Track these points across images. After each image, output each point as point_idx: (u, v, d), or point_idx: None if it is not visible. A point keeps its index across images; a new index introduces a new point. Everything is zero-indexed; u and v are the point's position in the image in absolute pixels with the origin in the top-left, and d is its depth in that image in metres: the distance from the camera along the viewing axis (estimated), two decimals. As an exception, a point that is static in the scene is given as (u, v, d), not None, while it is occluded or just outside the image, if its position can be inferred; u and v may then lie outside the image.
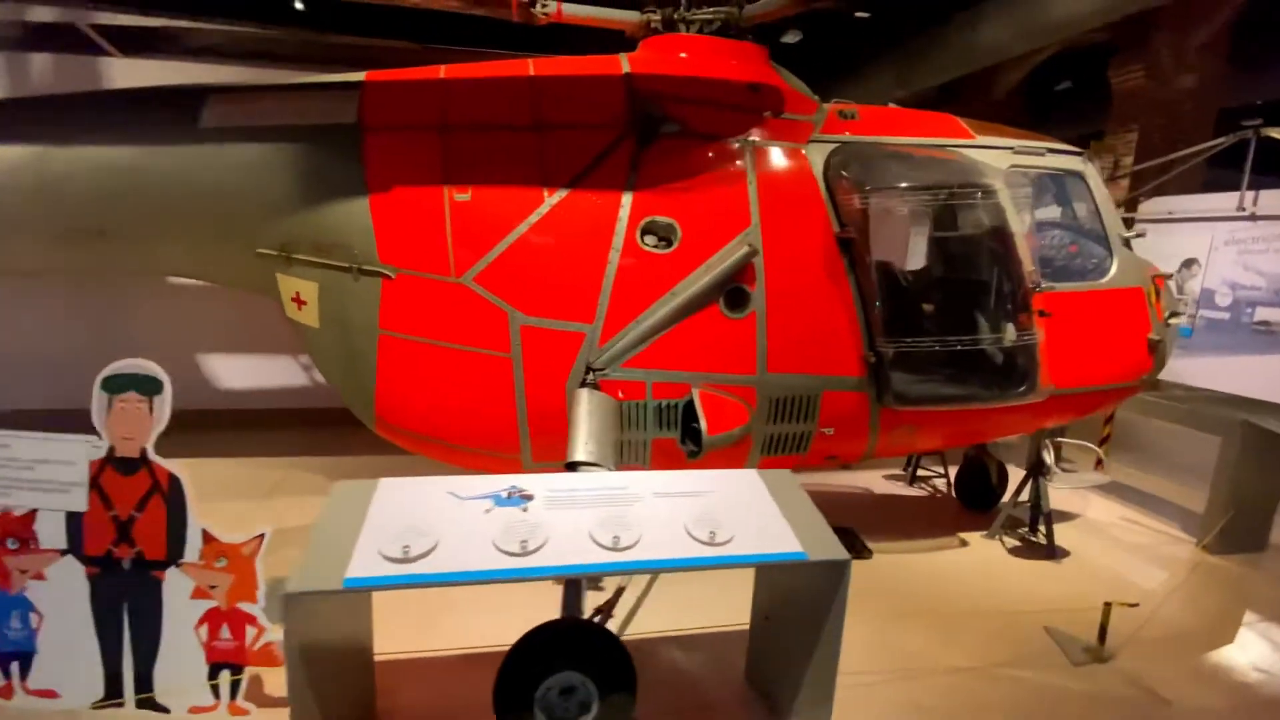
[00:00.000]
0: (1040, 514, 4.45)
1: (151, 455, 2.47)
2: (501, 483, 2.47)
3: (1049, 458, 4.39)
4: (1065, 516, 5.10)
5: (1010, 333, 3.81)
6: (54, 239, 3.47)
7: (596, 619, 2.73)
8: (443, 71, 3.71)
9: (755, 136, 3.76)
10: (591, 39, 4.13)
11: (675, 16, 3.87)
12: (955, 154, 3.81)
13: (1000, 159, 3.85)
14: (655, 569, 2.27)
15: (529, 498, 2.42)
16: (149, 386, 2.47)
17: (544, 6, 3.79)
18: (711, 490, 2.59)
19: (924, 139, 3.86)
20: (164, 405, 2.48)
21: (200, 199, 3.49)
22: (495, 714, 2.30)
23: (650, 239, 3.59)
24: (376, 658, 2.67)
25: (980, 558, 4.44)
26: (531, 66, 3.76)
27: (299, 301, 3.76)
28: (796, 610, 2.60)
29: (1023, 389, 3.85)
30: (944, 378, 3.92)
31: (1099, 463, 4.35)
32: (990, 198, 3.74)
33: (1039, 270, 3.81)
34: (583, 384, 3.51)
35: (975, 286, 4.03)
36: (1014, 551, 4.52)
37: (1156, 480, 5.76)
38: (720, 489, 2.61)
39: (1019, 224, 3.75)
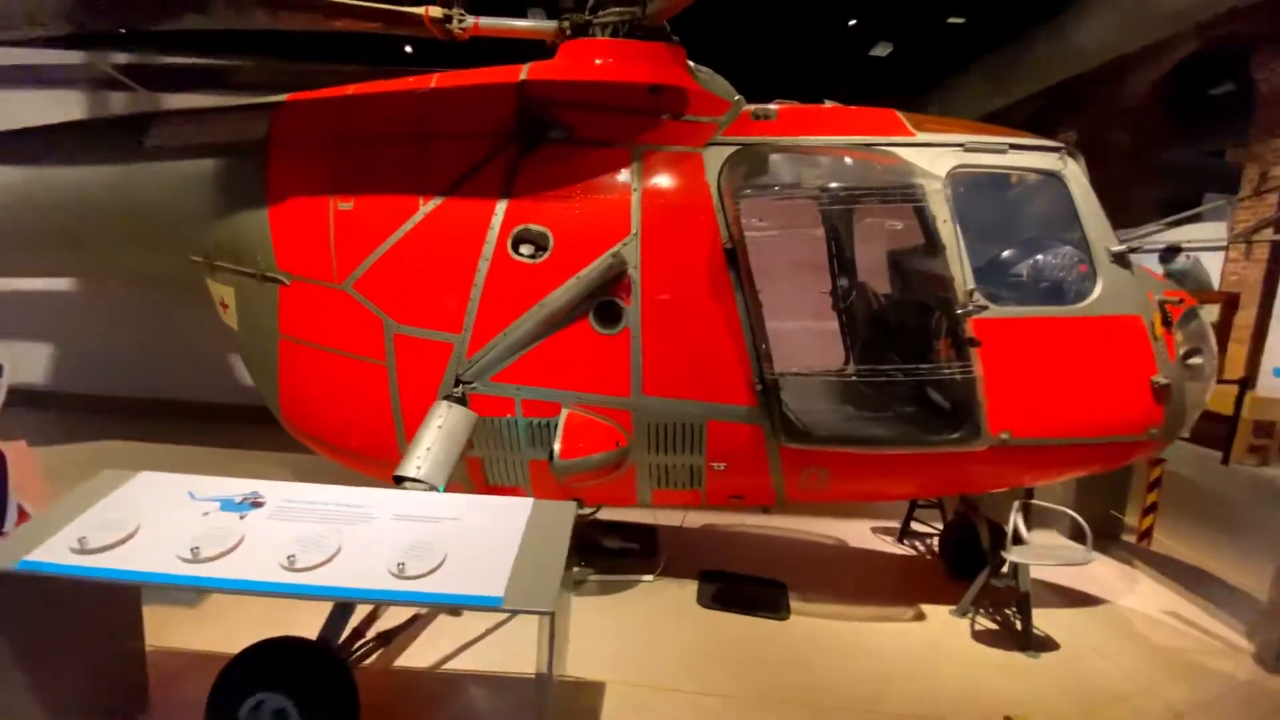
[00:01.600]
0: (1019, 593, 3.60)
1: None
2: (244, 488, 2.43)
3: (1020, 524, 3.54)
4: (1086, 600, 4.11)
5: (930, 364, 3.15)
6: (34, 248, 4.05)
7: (356, 643, 2.59)
8: (351, 89, 3.85)
9: (647, 141, 3.48)
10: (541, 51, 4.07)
11: (583, 21, 3.71)
12: (876, 154, 3.24)
13: (941, 158, 3.21)
14: (311, 595, 2.07)
15: (259, 505, 2.36)
16: (-10, 371, 2.76)
17: (460, 22, 3.82)
18: (458, 518, 2.37)
19: (848, 138, 3.33)
20: (3, 388, 2.75)
21: (144, 211, 3.89)
22: (205, 724, 2.25)
23: (526, 248, 3.43)
24: (157, 648, 2.73)
25: (931, 639, 3.67)
26: (434, 80, 3.78)
27: (224, 305, 4.05)
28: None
29: (957, 435, 3.15)
30: (849, 414, 3.32)
31: (1083, 535, 3.41)
32: (909, 202, 3.14)
33: (981, 290, 3.11)
34: (448, 396, 3.41)
35: (882, 307, 3.39)
36: (981, 636, 3.69)
37: (1233, 564, 4.46)
38: (470, 517, 2.38)
39: (950, 234, 3.10)
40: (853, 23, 10.25)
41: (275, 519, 2.30)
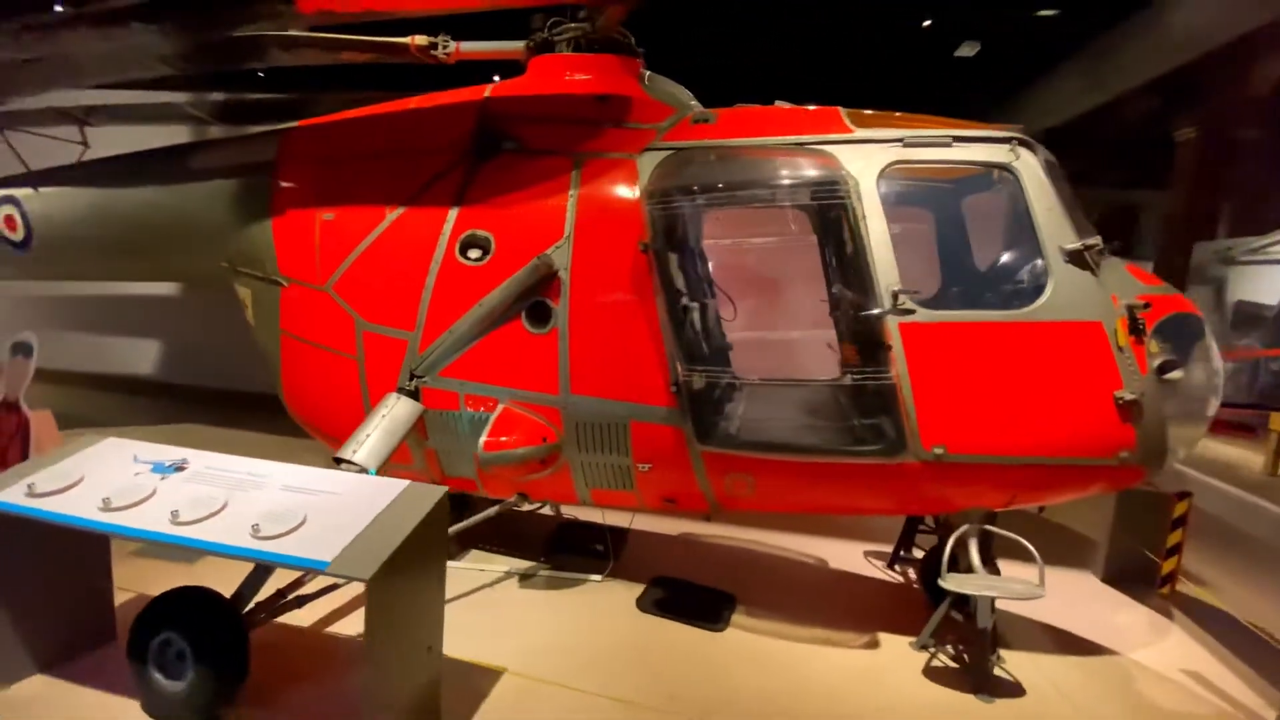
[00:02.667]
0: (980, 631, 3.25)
1: (22, 404, 3.38)
2: (177, 455, 2.82)
3: (973, 554, 3.22)
4: (1090, 648, 3.62)
5: (845, 369, 2.97)
6: (106, 255, 4.88)
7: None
8: (347, 114, 4.31)
9: (588, 149, 3.60)
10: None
11: (544, 39, 3.92)
12: (806, 154, 3.13)
13: (876, 155, 3.05)
14: (175, 544, 2.36)
15: (182, 470, 2.73)
16: (28, 350, 3.40)
17: (444, 48, 4.19)
18: (336, 493, 2.60)
19: (781, 138, 3.26)
20: (32, 364, 3.38)
21: (186, 223, 4.57)
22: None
23: (473, 252, 3.67)
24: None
25: (874, 669, 3.40)
26: (413, 102, 4.15)
27: (245, 305, 4.64)
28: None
29: (878, 446, 2.95)
30: (764, 419, 3.20)
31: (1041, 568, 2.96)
32: (829, 200, 3.00)
33: (907, 293, 2.91)
34: (400, 389, 3.70)
35: (792, 309, 3.23)
36: (935, 672, 3.36)
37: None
38: (345, 493, 2.61)
39: (879, 232, 2.93)
40: (928, 23, 9.73)
41: (188, 481, 2.66)
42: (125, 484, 2.60)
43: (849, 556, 4.66)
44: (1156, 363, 2.84)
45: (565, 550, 4.36)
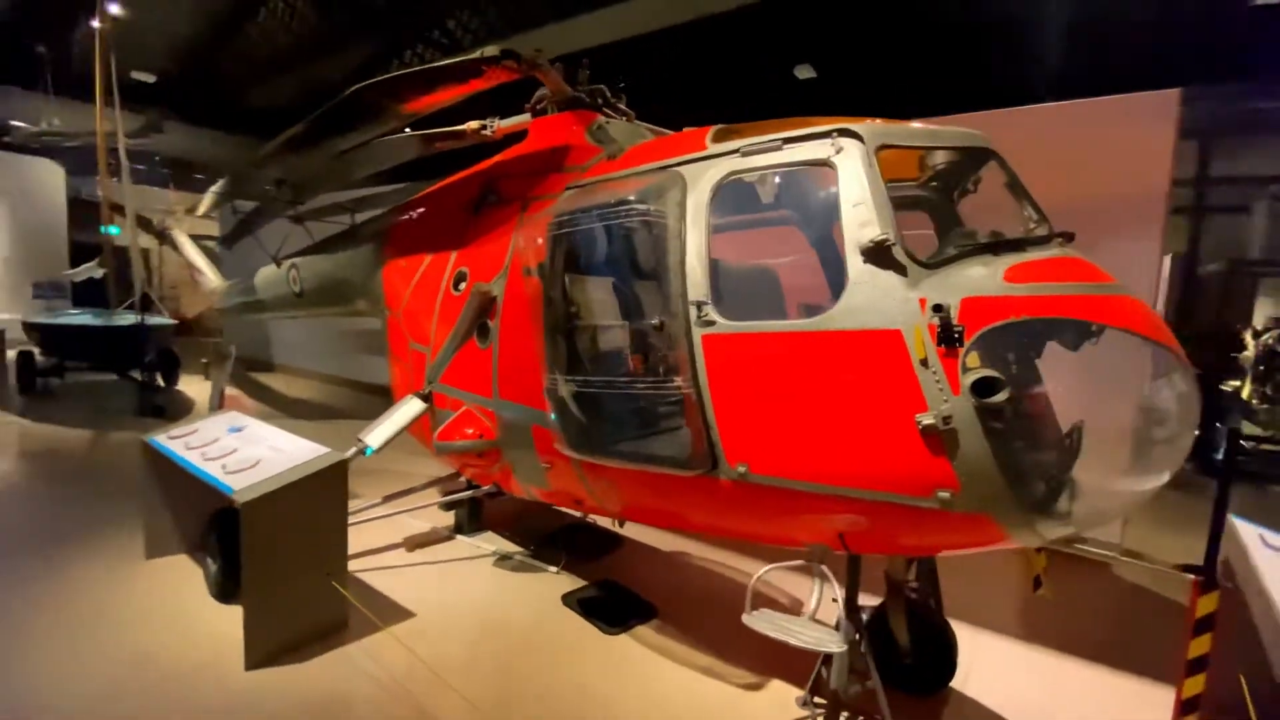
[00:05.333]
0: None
1: (226, 391, 5.43)
2: (245, 422, 4.34)
3: (814, 595, 2.84)
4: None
5: (654, 380, 2.99)
6: (290, 300, 7.23)
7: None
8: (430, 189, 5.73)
9: (533, 194, 4.27)
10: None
11: (530, 107, 4.77)
12: (657, 177, 3.28)
13: (715, 168, 3.07)
14: (179, 466, 3.74)
15: (240, 431, 4.22)
16: (230, 356, 5.46)
17: (491, 128, 5.36)
18: (290, 453, 3.75)
19: (648, 165, 3.47)
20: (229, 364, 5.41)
21: (345, 275, 6.56)
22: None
23: (461, 285, 4.65)
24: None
25: (729, 709, 3.22)
26: (458, 175, 5.36)
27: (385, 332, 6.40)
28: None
29: (691, 460, 2.92)
30: (601, 428, 3.36)
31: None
32: (648, 219, 3.12)
33: (706, 304, 2.87)
34: (418, 393, 4.85)
35: (620, 323, 3.26)
36: (787, 725, 3.05)
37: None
38: (294, 454, 3.73)
39: (689, 245, 2.96)
40: None
41: (235, 438, 4.11)
42: (209, 438, 4.18)
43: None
44: (969, 380, 2.27)
45: (551, 544, 4.93)
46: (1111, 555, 5.04)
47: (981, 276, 2.43)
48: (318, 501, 3.51)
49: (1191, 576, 2.76)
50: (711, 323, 2.86)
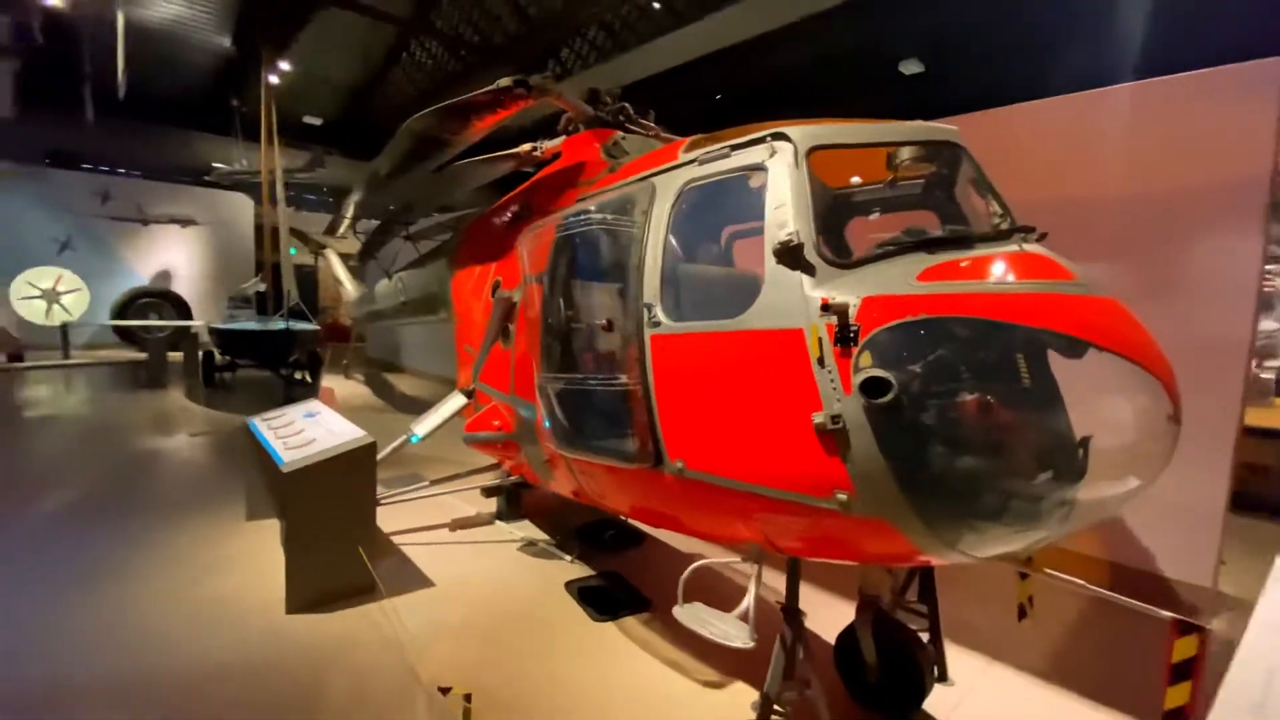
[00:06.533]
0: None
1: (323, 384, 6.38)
2: (319, 409, 5.12)
3: (750, 591, 2.87)
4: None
5: (604, 376, 3.19)
6: (399, 309, 8.17)
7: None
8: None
9: (552, 208, 4.64)
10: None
11: (563, 128, 5.18)
12: (633, 188, 3.50)
13: (677, 178, 3.24)
14: (259, 443, 4.47)
15: (313, 416, 4.99)
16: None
17: (540, 149, 5.87)
18: (341, 434, 4.39)
19: (631, 177, 3.69)
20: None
21: (436, 286, 7.38)
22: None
23: (497, 293, 5.15)
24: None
25: (682, 704, 3.32)
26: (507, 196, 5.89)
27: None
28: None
29: (638, 454, 3.11)
30: (569, 422, 3.59)
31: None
32: (616, 227, 3.34)
33: (654, 305, 3.05)
34: (463, 389, 5.42)
35: (568, 325, 3.47)
36: (729, 720, 3.09)
37: None
38: (342, 435, 4.36)
39: (648, 251, 3.15)
40: None
41: (309, 420, 4.87)
42: (287, 420, 5.00)
43: (831, 613, 4.10)
44: (859, 380, 2.25)
45: (574, 536, 5.24)
46: (1090, 588, 4.32)
47: (892, 276, 2.39)
48: (349, 476, 4.11)
49: (1169, 615, 2.43)
50: (658, 323, 3.03)
